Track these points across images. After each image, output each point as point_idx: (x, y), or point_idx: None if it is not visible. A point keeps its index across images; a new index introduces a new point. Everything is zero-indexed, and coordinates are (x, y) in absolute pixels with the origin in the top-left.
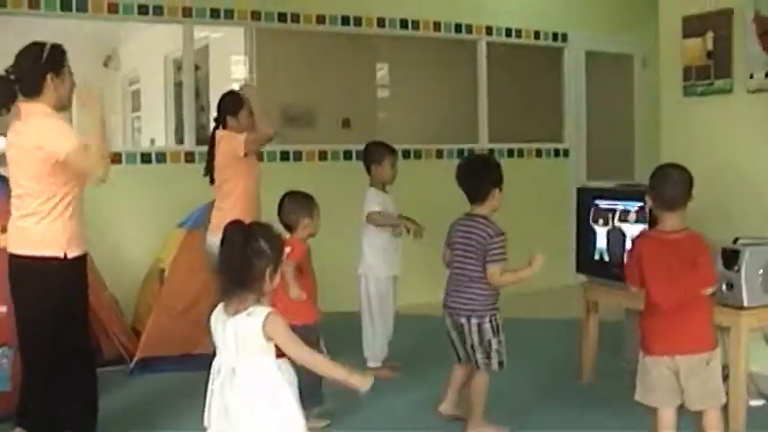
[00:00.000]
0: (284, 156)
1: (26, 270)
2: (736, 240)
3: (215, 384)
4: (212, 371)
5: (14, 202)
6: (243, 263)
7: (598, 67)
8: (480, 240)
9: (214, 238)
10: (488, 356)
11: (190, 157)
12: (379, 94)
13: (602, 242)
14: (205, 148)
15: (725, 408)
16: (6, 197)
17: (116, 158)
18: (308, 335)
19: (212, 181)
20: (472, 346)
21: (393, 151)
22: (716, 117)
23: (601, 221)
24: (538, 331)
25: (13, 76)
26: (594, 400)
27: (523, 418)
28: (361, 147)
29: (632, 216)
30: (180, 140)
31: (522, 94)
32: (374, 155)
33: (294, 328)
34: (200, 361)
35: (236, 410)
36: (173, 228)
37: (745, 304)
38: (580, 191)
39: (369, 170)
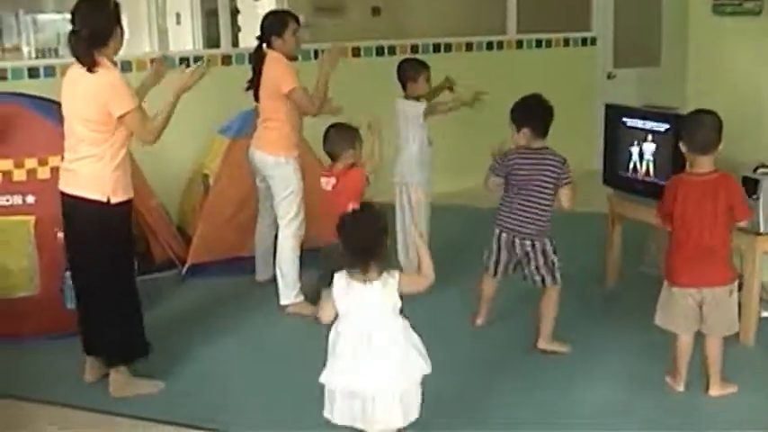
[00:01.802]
0: (317, 54)
1: (73, 209)
2: (756, 169)
3: (347, 346)
4: (338, 333)
5: (67, 146)
6: (376, 240)
7: None
8: (555, 171)
9: (260, 153)
10: (553, 273)
11: (227, 61)
12: None
13: (627, 159)
14: (242, 51)
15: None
16: (58, 124)
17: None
18: None
19: (257, 98)
20: (537, 267)
21: (426, 66)
22: (744, 37)
23: (627, 139)
24: (563, 225)
25: (85, 31)
26: (618, 308)
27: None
28: (392, 42)
29: (657, 137)
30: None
31: None
32: (409, 72)
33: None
34: (246, 263)
35: (374, 371)
36: (212, 132)
37: (762, 230)
38: (609, 108)
39: (404, 86)
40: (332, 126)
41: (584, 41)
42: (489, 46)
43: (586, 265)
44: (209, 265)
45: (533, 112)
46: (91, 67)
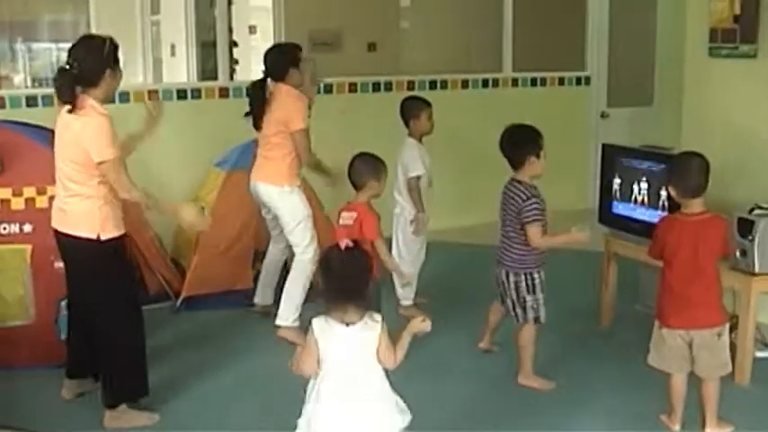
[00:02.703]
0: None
1: (66, 246)
2: (751, 210)
3: (330, 392)
4: (320, 379)
5: (58, 184)
6: (360, 280)
7: None
8: (516, 203)
9: (263, 185)
10: (524, 310)
11: (224, 93)
12: (403, 20)
13: (623, 198)
14: (238, 84)
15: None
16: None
17: (154, 96)
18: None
19: (258, 128)
20: (512, 301)
21: (428, 104)
22: (739, 80)
23: (623, 178)
24: (557, 264)
25: (74, 70)
26: (614, 346)
27: (546, 366)
28: (389, 78)
29: (653, 178)
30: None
31: (546, 23)
32: (412, 110)
33: None
34: (240, 296)
35: (366, 416)
36: (208, 165)
37: (757, 270)
38: (605, 148)
39: (407, 124)
40: (358, 155)
41: (578, 81)
42: (485, 83)
43: (582, 303)
44: (204, 298)
45: (505, 142)
46: (72, 107)
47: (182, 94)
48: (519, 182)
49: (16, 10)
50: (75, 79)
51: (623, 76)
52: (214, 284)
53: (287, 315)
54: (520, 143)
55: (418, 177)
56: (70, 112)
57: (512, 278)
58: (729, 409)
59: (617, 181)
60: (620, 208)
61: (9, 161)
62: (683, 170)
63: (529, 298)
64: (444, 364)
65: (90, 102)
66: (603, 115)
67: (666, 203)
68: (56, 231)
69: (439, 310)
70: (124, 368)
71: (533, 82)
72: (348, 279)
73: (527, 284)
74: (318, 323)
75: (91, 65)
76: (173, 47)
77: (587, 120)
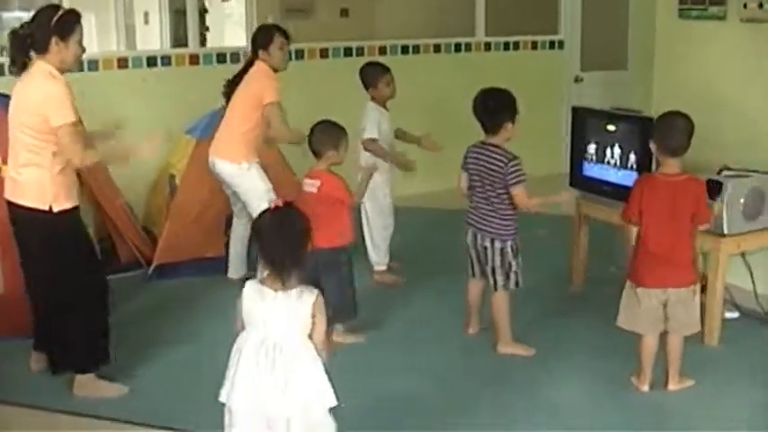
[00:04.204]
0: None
1: (17, 217)
2: (720, 171)
3: (250, 359)
4: (242, 344)
5: (10, 152)
6: (297, 245)
7: None
8: (497, 168)
9: (220, 162)
10: (507, 277)
11: (194, 60)
12: None
13: (593, 161)
14: (209, 51)
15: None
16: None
17: (123, 63)
18: (340, 256)
19: (227, 99)
20: (493, 268)
21: (387, 70)
22: (709, 42)
23: (593, 141)
24: (530, 226)
25: (22, 33)
26: (586, 309)
27: (518, 332)
28: (360, 43)
29: (624, 140)
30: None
31: None
32: (368, 76)
33: (328, 250)
34: (212, 263)
35: (284, 385)
36: (179, 132)
37: (726, 232)
38: (576, 110)
39: (368, 91)
40: (318, 123)
41: (551, 44)
42: (457, 48)
43: (553, 267)
44: (176, 266)
45: (479, 107)
46: (20, 69)
47: (152, 62)
48: (496, 146)
49: None
50: (25, 43)
51: (597, 39)
52: (186, 252)
53: None
54: (497, 109)
55: (373, 139)
56: (23, 75)
57: (497, 245)
58: (697, 368)
59: (587, 143)
60: (590, 170)
61: None
62: (667, 128)
63: (514, 263)
64: (417, 331)
65: (45, 66)
66: (577, 79)
67: (636, 165)
68: (8, 202)
69: (412, 275)
70: (82, 337)
71: (506, 46)
72: (280, 243)
73: (513, 249)
74: (250, 286)
75: (37, 30)
76: (146, 14)
77: (561, 84)
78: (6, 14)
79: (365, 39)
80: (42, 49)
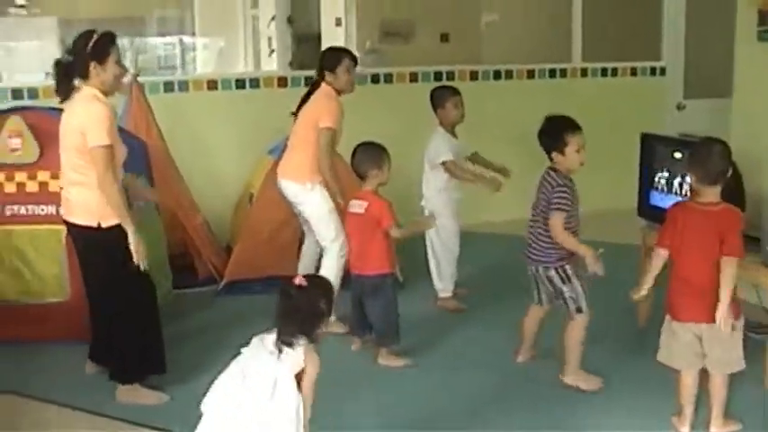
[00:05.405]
0: (374, 78)
1: (73, 234)
2: None
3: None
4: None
5: (62, 174)
6: (312, 320)
7: None
8: (546, 192)
9: (285, 182)
10: (565, 303)
11: (283, 82)
12: (476, 11)
13: (659, 189)
14: (297, 74)
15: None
16: None
17: (212, 85)
18: (386, 282)
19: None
20: (547, 294)
21: (456, 92)
22: None
23: (662, 169)
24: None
25: (65, 62)
26: (642, 343)
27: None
28: (450, 67)
29: None
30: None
31: (618, 10)
32: (437, 98)
33: (374, 276)
34: None
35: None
36: (264, 153)
37: None
38: (644, 137)
39: (436, 113)
40: (359, 145)
41: (652, 71)
42: (552, 74)
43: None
44: (248, 283)
45: (542, 132)
46: (64, 96)
47: (240, 84)
48: (554, 170)
49: (127, 7)
50: (68, 71)
51: (701, 65)
52: (257, 270)
53: None
54: (549, 133)
55: (452, 161)
56: (63, 100)
57: (541, 271)
58: (748, 410)
59: (655, 171)
60: (658, 199)
61: (47, 146)
62: (703, 156)
63: (565, 289)
64: (465, 356)
65: (90, 91)
66: (680, 107)
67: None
68: (64, 220)
69: (478, 302)
70: (130, 348)
71: (603, 72)
72: (295, 321)
73: (560, 276)
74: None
75: (76, 57)
76: (269, 39)
77: (661, 112)
78: (144, 40)
79: (464, 64)
80: (83, 75)
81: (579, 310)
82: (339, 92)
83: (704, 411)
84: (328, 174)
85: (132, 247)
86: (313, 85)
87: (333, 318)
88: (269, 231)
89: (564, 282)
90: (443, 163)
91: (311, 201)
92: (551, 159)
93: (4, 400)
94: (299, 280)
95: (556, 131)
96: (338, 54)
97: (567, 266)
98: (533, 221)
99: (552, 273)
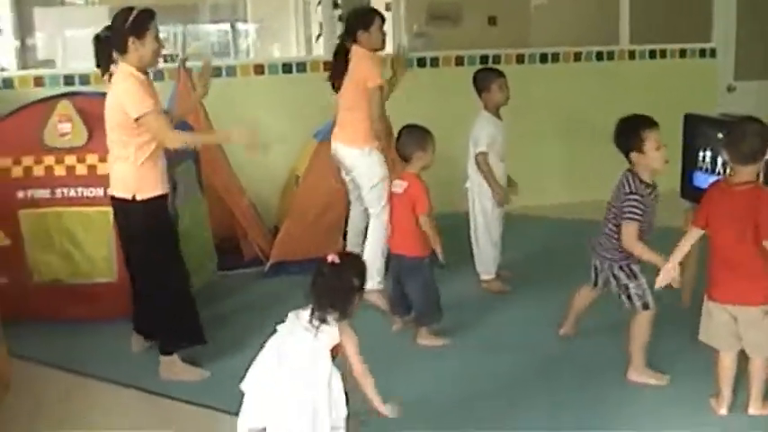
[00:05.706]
0: (421, 62)
1: (114, 208)
2: None
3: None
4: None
5: (109, 151)
6: (344, 296)
7: None
8: (618, 194)
9: (342, 146)
10: (630, 298)
11: (329, 67)
12: None
13: (703, 170)
14: None
15: None
16: None
17: (259, 70)
18: (423, 262)
19: (336, 89)
20: (613, 289)
21: (500, 74)
22: None
23: (704, 149)
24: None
25: (107, 36)
26: (683, 324)
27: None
28: (497, 51)
29: None
30: None
31: None
32: (481, 80)
33: (407, 259)
34: None
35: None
36: (309, 136)
37: None
38: (687, 117)
39: (480, 97)
40: (404, 128)
41: (702, 52)
42: (599, 56)
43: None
44: (294, 264)
45: (615, 134)
46: (104, 71)
47: (287, 68)
48: (631, 172)
49: None
50: (108, 47)
51: (752, 46)
52: (303, 251)
53: (368, 279)
54: (620, 134)
55: (484, 154)
56: (109, 79)
57: (606, 267)
58: None
59: (697, 152)
60: (700, 180)
61: (95, 129)
62: (738, 135)
63: (631, 285)
64: (503, 337)
65: (126, 68)
66: (730, 89)
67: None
68: (110, 196)
69: (522, 284)
70: (172, 319)
71: (652, 54)
72: (330, 294)
73: (625, 272)
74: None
75: (115, 33)
76: (320, 24)
77: (711, 94)
78: (197, 26)
79: (514, 47)
80: (122, 50)
81: (646, 306)
82: (374, 50)
83: (743, 394)
84: (383, 135)
85: (242, 141)
86: (340, 51)
87: (381, 287)
88: (314, 214)
89: (630, 278)
90: (477, 156)
91: (367, 164)
92: (630, 161)
93: (55, 376)
94: (331, 257)
95: (631, 129)
96: (369, 13)
97: (633, 264)
98: (607, 218)
99: (617, 270)
